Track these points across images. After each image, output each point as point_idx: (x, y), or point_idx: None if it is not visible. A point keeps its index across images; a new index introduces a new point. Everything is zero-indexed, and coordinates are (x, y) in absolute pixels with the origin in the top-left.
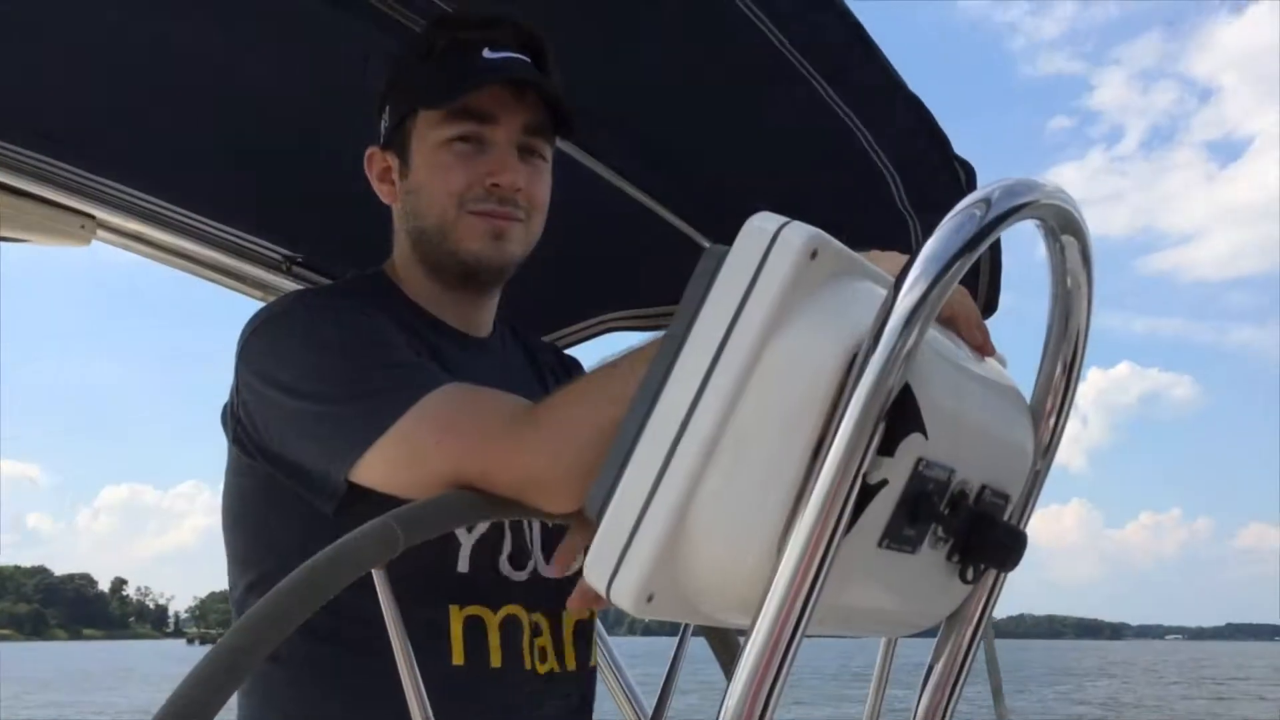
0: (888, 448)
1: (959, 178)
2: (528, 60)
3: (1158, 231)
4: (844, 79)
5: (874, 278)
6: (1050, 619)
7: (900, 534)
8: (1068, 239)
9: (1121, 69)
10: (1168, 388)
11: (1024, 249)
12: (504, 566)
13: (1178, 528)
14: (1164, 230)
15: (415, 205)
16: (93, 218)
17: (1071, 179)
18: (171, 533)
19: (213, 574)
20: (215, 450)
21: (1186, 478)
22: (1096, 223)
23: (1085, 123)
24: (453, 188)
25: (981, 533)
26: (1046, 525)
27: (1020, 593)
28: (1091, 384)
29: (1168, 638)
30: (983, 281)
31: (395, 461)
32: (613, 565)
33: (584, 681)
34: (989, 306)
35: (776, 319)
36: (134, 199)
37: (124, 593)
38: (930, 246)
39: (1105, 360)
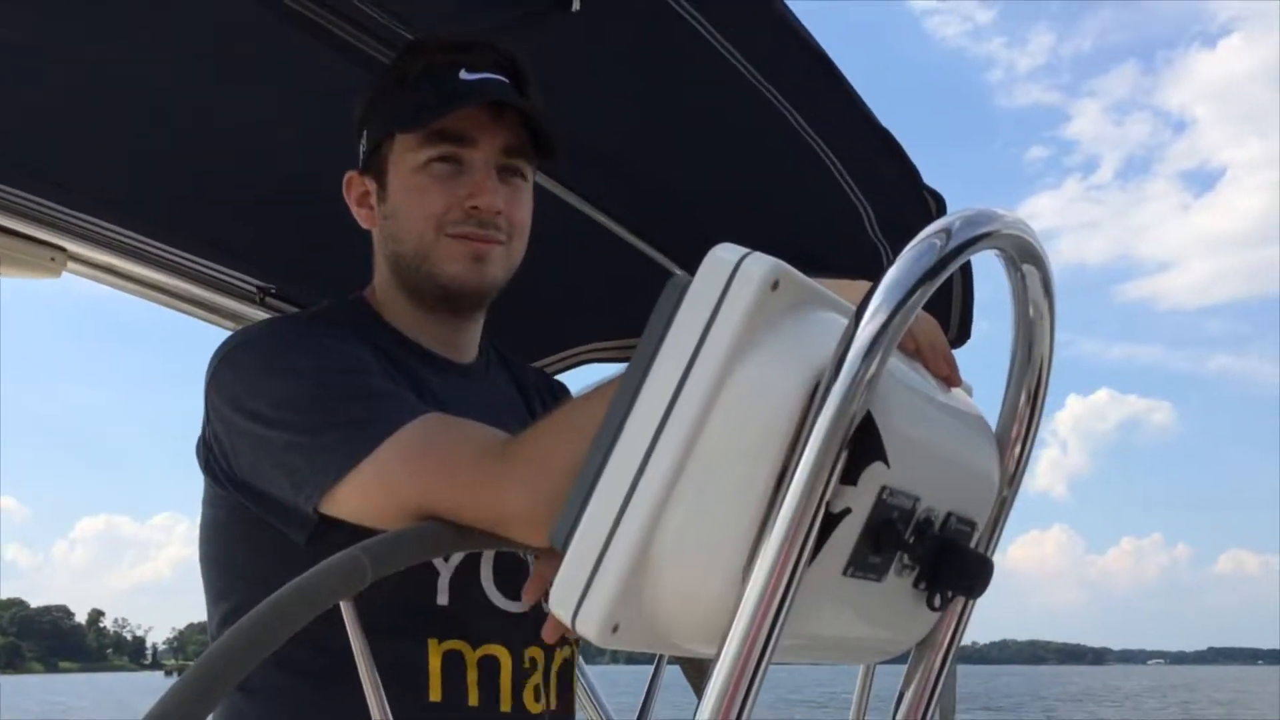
0: (850, 476)
1: (929, 207)
2: (506, 81)
3: (1134, 260)
4: (813, 110)
5: (836, 307)
6: (1033, 644)
7: (865, 562)
8: (1028, 268)
9: (1097, 100)
10: (1146, 414)
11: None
12: (491, 593)
13: (1159, 553)
14: (1141, 259)
15: (394, 229)
16: (63, 250)
17: (1048, 207)
18: (149, 564)
19: (191, 605)
20: (192, 481)
21: (1166, 504)
22: (1073, 251)
23: (1061, 152)
24: (431, 210)
25: (947, 560)
26: (1028, 551)
27: (1002, 619)
28: (1070, 411)
29: (1150, 662)
30: (954, 311)
31: (368, 493)
32: (578, 596)
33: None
34: (961, 336)
35: (738, 350)
36: (105, 231)
37: (101, 625)
38: (891, 276)
39: (1084, 387)
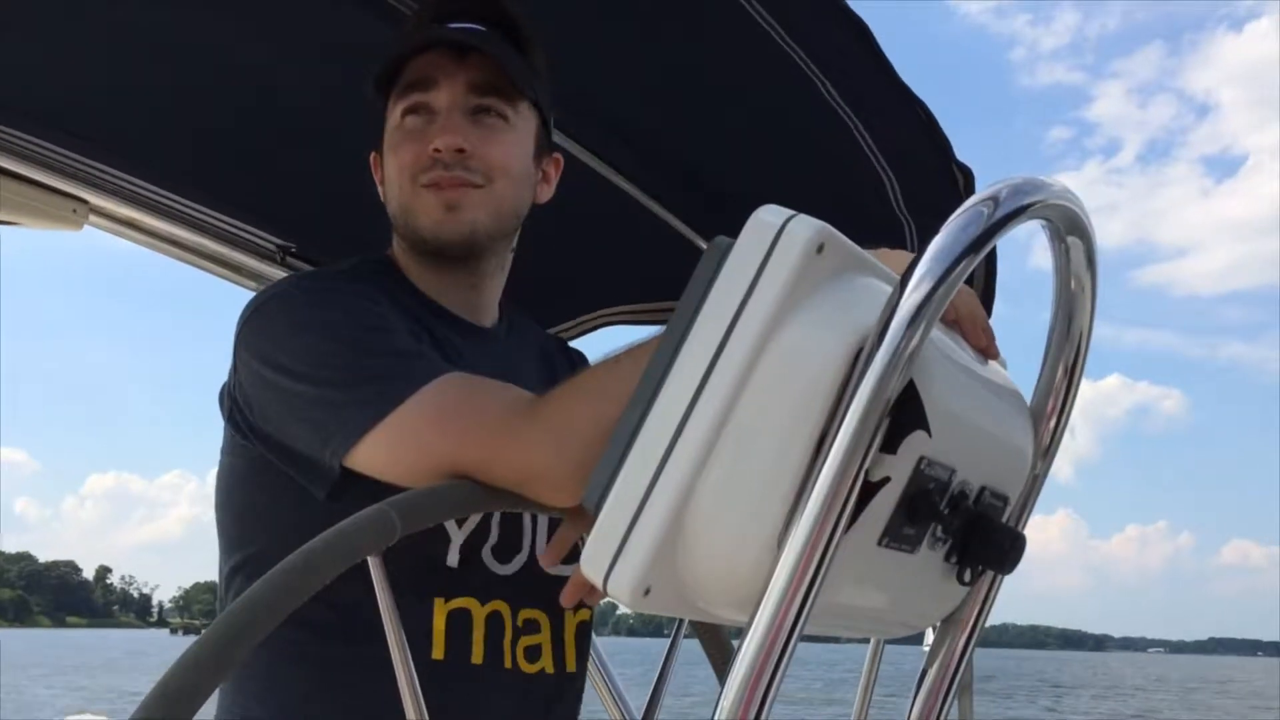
0: (891, 445)
1: (957, 182)
2: (479, 29)
3: (1152, 244)
4: (846, 79)
5: (879, 274)
6: (1033, 629)
7: (900, 533)
8: (1073, 240)
9: (1120, 82)
10: (1157, 401)
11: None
12: (488, 559)
13: (1163, 541)
14: (1158, 243)
15: (387, 193)
16: (85, 202)
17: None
18: (157, 522)
19: (197, 565)
20: (202, 440)
21: (1173, 492)
22: None
23: (1083, 134)
24: (404, 163)
25: (981, 534)
26: (1032, 534)
27: (1003, 602)
28: (1081, 395)
29: (1150, 650)
30: (977, 287)
31: (394, 449)
32: (610, 557)
33: (571, 684)
34: None
35: (781, 313)
36: (127, 184)
37: (108, 581)
38: (937, 245)
39: (1095, 372)
